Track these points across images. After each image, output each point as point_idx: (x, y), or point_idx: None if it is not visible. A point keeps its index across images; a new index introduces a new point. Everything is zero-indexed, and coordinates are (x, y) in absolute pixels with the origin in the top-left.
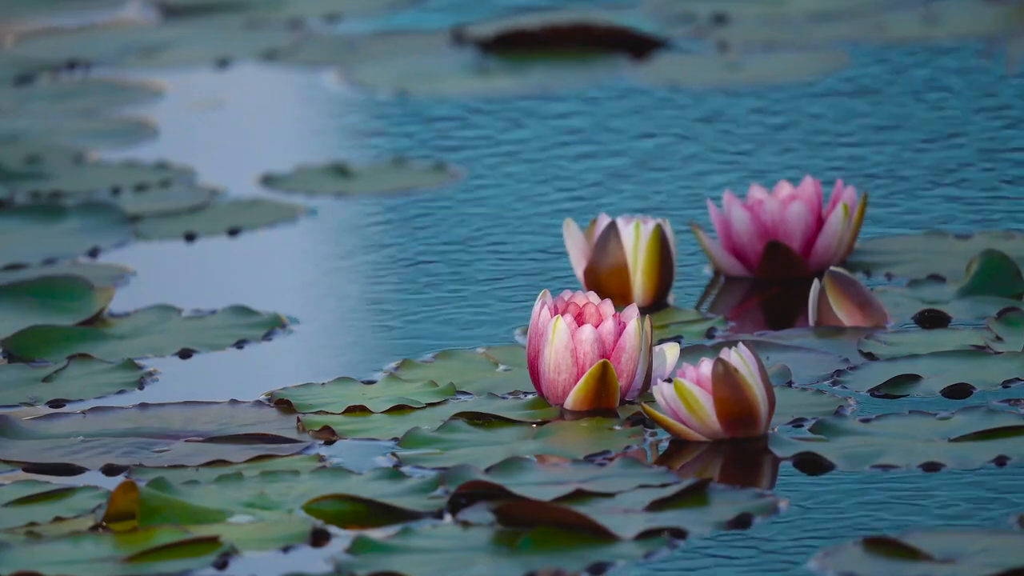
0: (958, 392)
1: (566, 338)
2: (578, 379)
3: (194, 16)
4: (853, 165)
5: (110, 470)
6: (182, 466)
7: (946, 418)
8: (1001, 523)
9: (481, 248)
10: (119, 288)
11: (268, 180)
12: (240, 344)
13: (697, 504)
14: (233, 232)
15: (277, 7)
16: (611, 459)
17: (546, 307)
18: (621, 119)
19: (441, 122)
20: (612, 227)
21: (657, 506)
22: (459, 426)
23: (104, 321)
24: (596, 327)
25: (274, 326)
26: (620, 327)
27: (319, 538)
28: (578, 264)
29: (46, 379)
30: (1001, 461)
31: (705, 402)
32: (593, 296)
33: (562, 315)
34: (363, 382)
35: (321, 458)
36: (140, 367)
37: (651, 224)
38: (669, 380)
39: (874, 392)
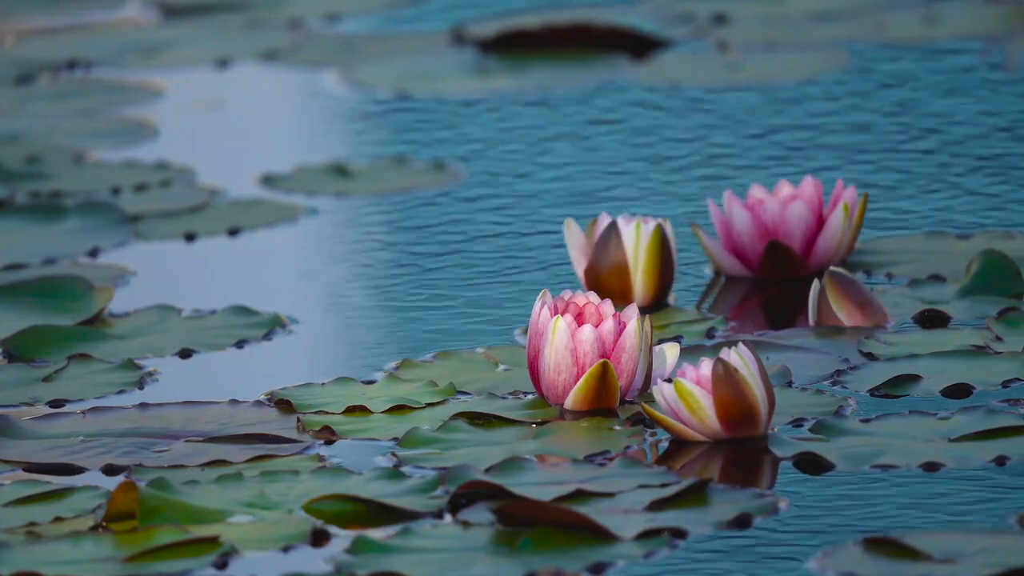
0: (958, 392)
1: (566, 338)
2: (578, 379)
3: (194, 16)
4: (853, 165)
5: (110, 470)
6: (182, 466)
7: (946, 418)
8: (1001, 523)
9: (481, 248)
10: (119, 288)
11: (268, 180)
12: (240, 344)
13: (697, 504)
14: (233, 232)
15: (277, 7)
16: (611, 459)
17: (546, 307)
18: (621, 119)
19: (441, 122)
20: (613, 227)
21: (657, 506)
22: (459, 426)
23: (104, 321)
24: (596, 327)
25: (274, 326)
26: (620, 327)
27: (319, 538)
28: (578, 264)
29: (46, 379)
30: (1001, 461)
31: (705, 402)
32: (593, 296)
33: (562, 315)
34: (363, 382)
35: (321, 458)
36: (140, 367)
37: (652, 224)
38: (669, 380)
39: (874, 392)
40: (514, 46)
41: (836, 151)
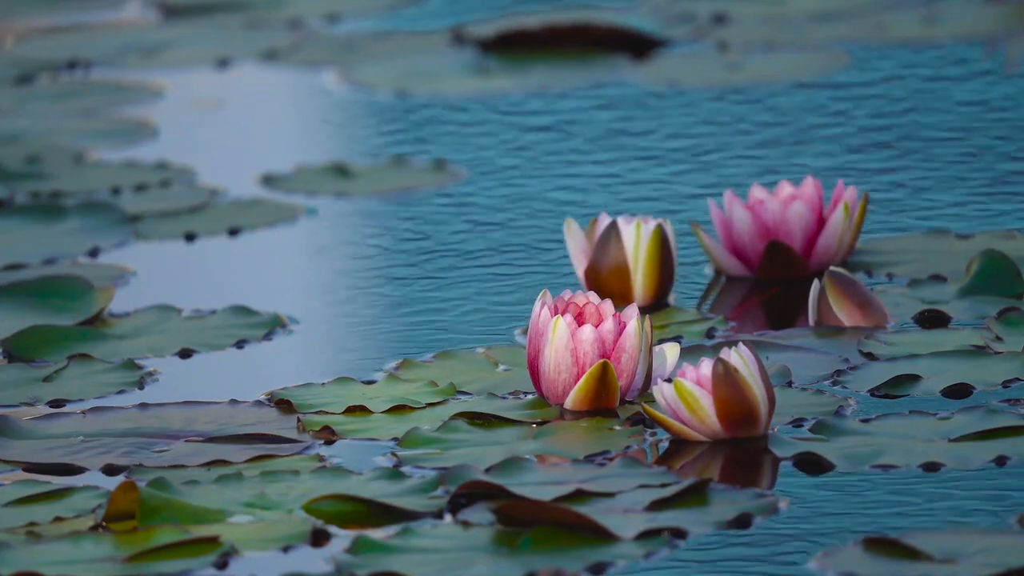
0: (958, 392)
1: (566, 338)
2: (578, 379)
3: (194, 16)
4: (854, 165)
5: (110, 470)
6: (182, 466)
7: (946, 418)
8: (1001, 523)
9: (481, 248)
10: (119, 288)
11: (268, 180)
12: (240, 344)
13: (697, 504)
14: (233, 232)
15: (277, 7)
16: (611, 459)
17: (546, 307)
18: (622, 119)
19: (441, 122)
20: (613, 227)
21: (657, 506)
22: (459, 426)
23: (104, 321)
24: (596, 327)
25: (274, 326)
26: (620, 327)
27: (319, 538)
28: (579, 264)
29: (46, 379)
30: (1001, 461)
31: (705, 402)
32: (593, 296)
33: (562, 315)
34: (363, 382)
35: (321, 458)
36: (140, 367)
37: (652, 224)
38: (669, 380)
39: (874, 392)
40: (514, 46)
41: (836, 151)
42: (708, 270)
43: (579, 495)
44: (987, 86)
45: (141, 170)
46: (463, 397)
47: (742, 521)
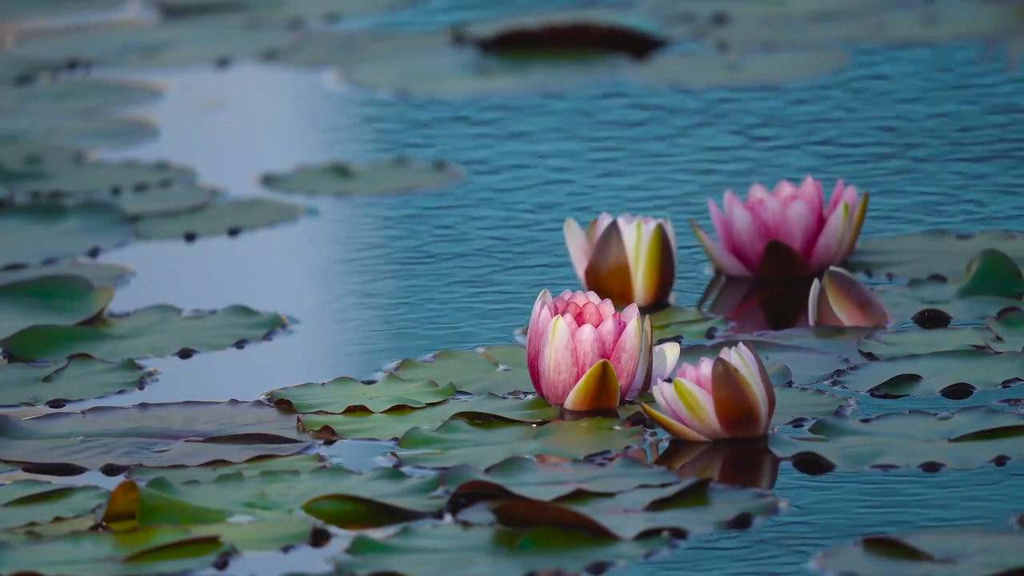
0: (958, 392)
1: (566, 338)
2: (578, 379)
3: (194, 16)
4: (853, 165)
5: (110, 470)
6: (182, 466)
7: (946, 418)
8: (1001, 523)
9: (481, 248)
10: (119, 288)
11: (268, 180)
12: (240, 344)
13: (697, 504)
14: (233, 232)
15: (277, 7)
16: (611, 459)
17: (546, 307)
18: (622, 119)
19: (441, 122)
20: (613, 227)
21: (657, 506)
22: (459, 426)
23: (104, 321)
24: (596, 327)
25: (274, 326)
26: (620, 327)
27: (319, 538)
28: (579, 264)
29: (46, 379)
30: (1001, 461)
31: (705, 402)
32: (593, 296)
33: (562, 315)
34: (363, 382)
35: (321, 458)
36: (140, 367)
37: (652, 224)
38: (669, 380)
39: (874, 392)
40: (514, 46)
41: (837, 151)
42: (708, 270)
43: (579, 495)
44: (987, 86)
45: (141, 170)
46: (463, 397)
47: (742, 521)
